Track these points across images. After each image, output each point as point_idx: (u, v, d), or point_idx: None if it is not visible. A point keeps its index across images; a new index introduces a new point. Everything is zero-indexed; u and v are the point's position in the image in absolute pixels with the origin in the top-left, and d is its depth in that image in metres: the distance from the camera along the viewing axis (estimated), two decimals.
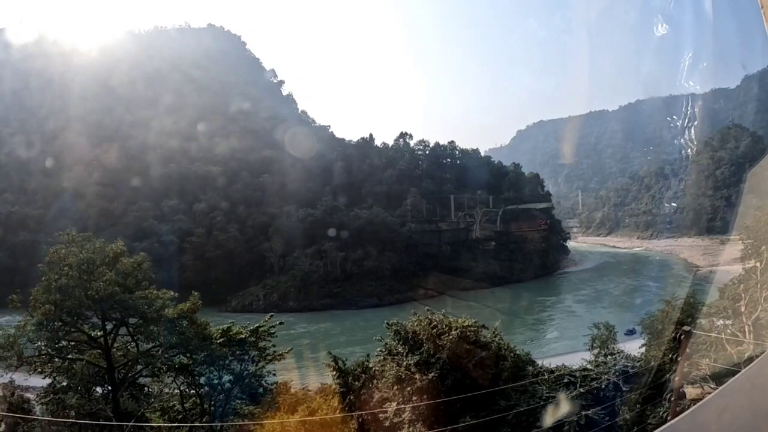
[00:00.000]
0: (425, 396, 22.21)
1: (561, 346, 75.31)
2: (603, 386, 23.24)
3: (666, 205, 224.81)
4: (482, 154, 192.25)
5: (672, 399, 21.79)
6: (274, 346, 32.52)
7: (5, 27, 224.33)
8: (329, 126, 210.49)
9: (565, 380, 23.90)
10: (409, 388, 22.99)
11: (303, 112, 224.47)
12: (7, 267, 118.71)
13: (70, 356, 28.99)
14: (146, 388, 31.70)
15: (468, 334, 24.05)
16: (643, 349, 31.68)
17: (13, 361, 27.01)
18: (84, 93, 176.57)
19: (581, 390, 22.79)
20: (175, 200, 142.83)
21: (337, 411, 24.49)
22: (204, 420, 29.47)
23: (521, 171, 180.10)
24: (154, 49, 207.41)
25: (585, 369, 25.40)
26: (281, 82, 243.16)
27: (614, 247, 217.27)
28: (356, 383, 25.09)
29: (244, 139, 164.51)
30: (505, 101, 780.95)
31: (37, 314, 27.14)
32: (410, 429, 22.09)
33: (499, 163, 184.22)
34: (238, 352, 31.24)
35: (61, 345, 28.65)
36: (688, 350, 22.07)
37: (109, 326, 28.84)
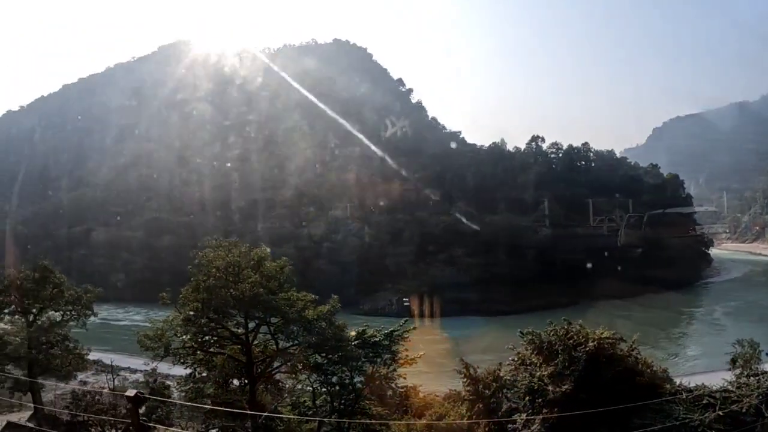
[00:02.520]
0: (556, 409, 21.72)
1: (701, 363, 70.76)
2: (743, 410, 21.77)
3: None
4: (617, 155, 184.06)
5: None
6: (406, 349, 33.02)
7: (158, 48, 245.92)
8: (460, 132, 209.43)
9: (704, 401, 22.53)
10: (540, 400, 22.53)
11: (433, 118, 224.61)
12: (153, 268, 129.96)
13: (212, 350, 31.07)
14: (280, 384, 33.31)
15: (605, 346, 23.24)
16: None
17: (160, 352, 29.53)
18: (222, 108, 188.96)
19: (720, 413, 21.46)
20: (310, 207, 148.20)
21: (465, 418, 24.44)
22: (333, 418, 30.42)
23: (659, 172, 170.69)
24: (285, 66, 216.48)
25: (726, 390, 23.71)
26: (410, 90, 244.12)
27: (760, 254, 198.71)
28: (486, 391, 24.81)
29: (376, 147, 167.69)
30: (639, 97, 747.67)
31: (185, 311, 29.35)
32: None
33: (636, 164, 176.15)
34: (371, 354, 31.92)
35: (204, 339, 30.86)
36: None
37: (251, 324, 30.53)
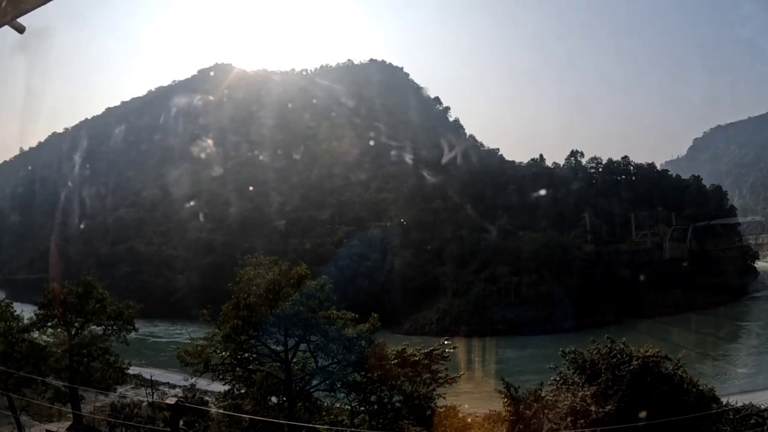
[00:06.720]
0: (599, 430, 21.08)
1: (753, 382, 68.43)
2: None
3: None
4: (658, 167, 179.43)
5: None
6: (446, 369, 32.65)
7: (197, 71, 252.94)
8: (498, 149, 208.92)
9: (752, 421, 21.74)
10: (582, 421, 21.86)
11: (471, 136, 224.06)
12: (197, 285, 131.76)
13: (251, 367, 31.19)
14: (319, 402, 33.17)
15: (649, 364, 22.58)
16: None
17: (200, 368, 29.84)
18: (262, 129, 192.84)
19: None
20: (350, 227, 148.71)
21: None
22: None
23: (701, 183, 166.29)
24: (323, 86, 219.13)
25: None
26: (447, 109, 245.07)
27: None
28: (527, 412, 24.23)
29: (415, 165, 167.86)
30: (678, 109, 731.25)
31: (226, 328, 29.49)
32: None
33: (677, 177, 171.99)
34: (410, 374, 31.69)
35: (244, 356, 31.00)
36: None
37: (290, 342, 30.62)
